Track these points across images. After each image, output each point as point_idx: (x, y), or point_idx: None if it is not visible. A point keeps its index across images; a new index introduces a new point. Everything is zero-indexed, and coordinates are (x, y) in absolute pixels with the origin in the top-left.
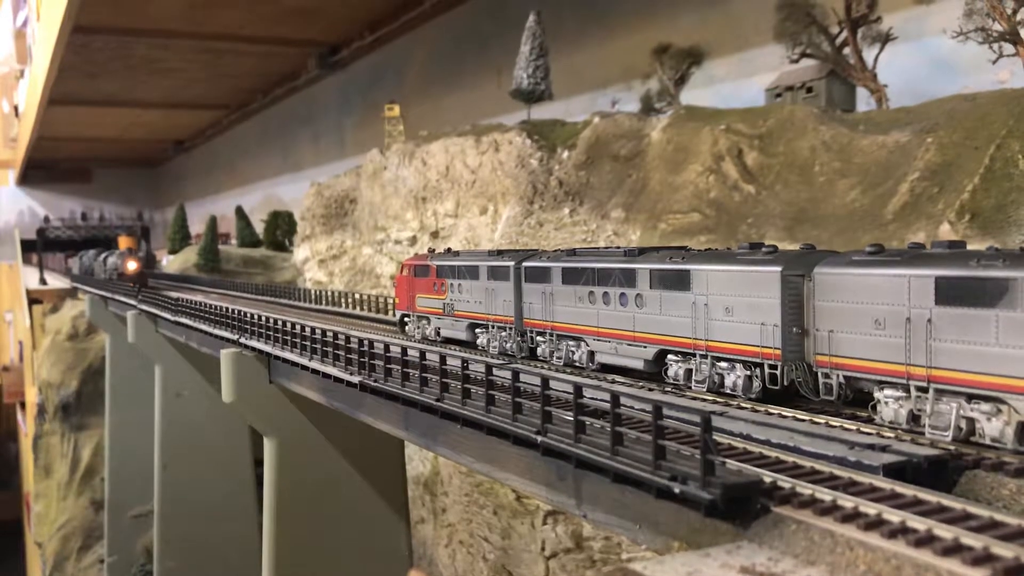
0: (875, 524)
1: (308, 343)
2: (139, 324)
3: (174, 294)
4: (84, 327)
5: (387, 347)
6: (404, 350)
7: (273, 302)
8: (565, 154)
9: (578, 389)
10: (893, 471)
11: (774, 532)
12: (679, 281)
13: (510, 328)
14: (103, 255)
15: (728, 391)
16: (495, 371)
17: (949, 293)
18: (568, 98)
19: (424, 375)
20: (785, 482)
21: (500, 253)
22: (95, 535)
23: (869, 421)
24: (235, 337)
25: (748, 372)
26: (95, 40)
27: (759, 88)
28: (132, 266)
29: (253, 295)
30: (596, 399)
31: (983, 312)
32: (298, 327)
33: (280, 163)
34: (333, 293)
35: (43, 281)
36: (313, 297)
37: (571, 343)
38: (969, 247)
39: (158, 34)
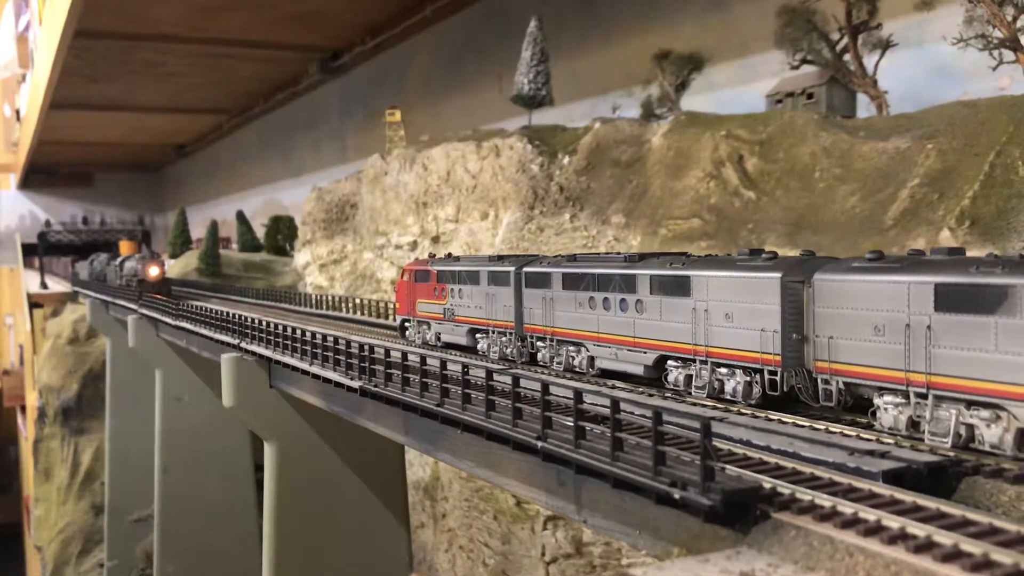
0: (874, 530)
1: (309, 348)
2: (140, 328)
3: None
4: (85, 331)
5: (387, 352)
6: (404, 355)
7: (274, 306)
8: (566, 160)
9: (578, 394)
10: (892, 477)
11: (773, 538)
12: (679, 287)
13: (510, 333)
14: (120, 259)
15: (728, 397)
16: (495, 376)
17: (948, 300)
18: (569, 104)
19: (424, 380)
20: (785, 488)
21: (501, 258)
22: (95, 539)
23: (868, 427)
24: (236, 342)
25: (748, 378)
26: (97, 45)
27: (759, 94)
28: (154, 272)
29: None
30: (596, 404)
31: (982, 319)
32: (299, 332)
33: (281, 168)
34: (334, 298)
35: (44, 285)
36: (314, 302)
37: (571, 348)
38: (969, 254)
39: (160, 39)
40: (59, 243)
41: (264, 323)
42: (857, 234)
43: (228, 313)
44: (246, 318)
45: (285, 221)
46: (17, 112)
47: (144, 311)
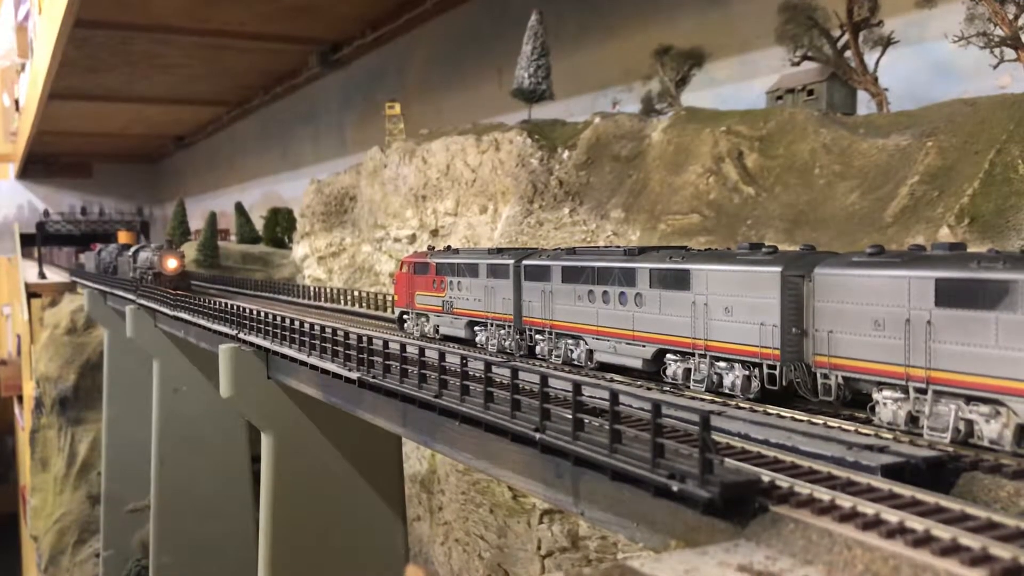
0: (873, 524)
1: (307, 339)
2: (137, 319)
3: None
4: (82, 321)
5: (386, 344)
6: (403, 347)
7: (272, 298)
8: (565, 154)
9: (577, 387)
10: (891, 472)
11: (772, 531)
12: (679, 281)
13: (509, 326)
14: (133, 250)
15: (727, 391)
16: (494, 369)
17: (949, 295)
18: (569, 98)
19: (423, 372)
20: (783, 481)
21: (500, 251)
22: (91, 529)
23: (867, 422)
24: (234, 332)
25: (747, 372)
26: (96, 35)
27: (760, 90)
28: (173, 264)
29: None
30: (595, 397)
31: (983, 314)
32: (297, 323)
33: (280, 160)
34: (332, 290)
35: (42, 275)
36: (312, 294)
37: (570, 341)
38: (969, 250)
39: (160, 30)
40: (57, 233)
41: (262, 314)
42: (856, 231)
43: (226, 304)
44: (244, 309)
45: (284, 213)
46: (16, 102)
47: (142, 301)
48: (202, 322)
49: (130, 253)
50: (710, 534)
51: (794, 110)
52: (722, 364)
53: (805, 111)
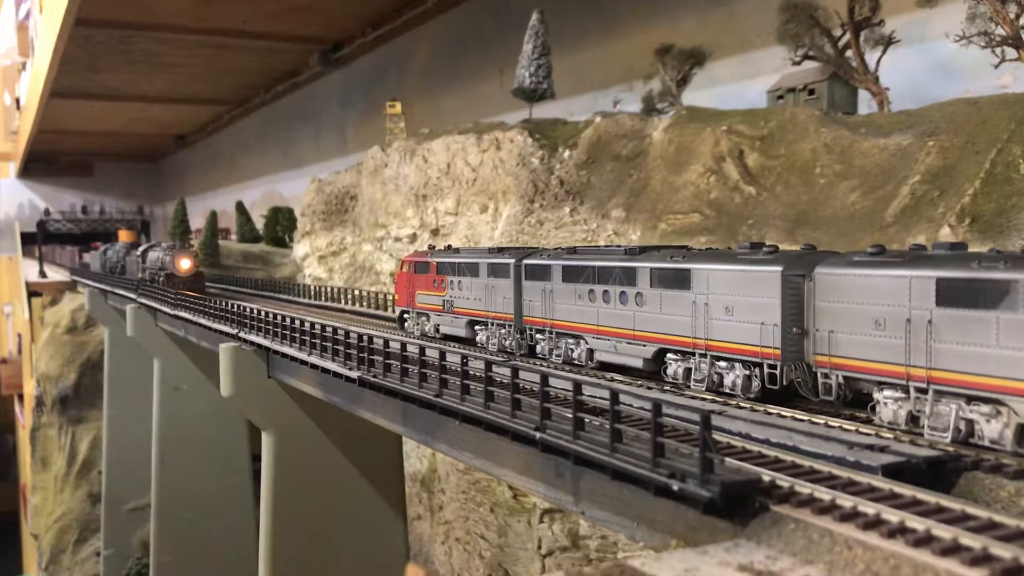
0: (874, 523)
1: (307, 338)
2: (138, 318)
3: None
4: (83, 320)
5: (387, 343)
6: (404, 346)
7: (273, 297)
8: (566, 153)
9: (577, 386)
10: (892, 471)
11: (772, 530)
12: (679, 280)
13: (509, 325)
14: (142, 249)
15: (727, 390)
16: (494, 368)
17: (950, 294)
18: (570, 97)
19: (423, 371)
20: (784, 481)
21: (500, 250)
22: (92, 528)
23: (868, 422)
24: (234, 331)
25: (747, 372)
26: (97, 33)
27: (761, 90)
28: (186, 264)
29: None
30: (595, 396)
31: (984, 314)
32: (297, 322)
33: (281, 159)
34: (333, 289)
35: (43, 274)
36: (313, 293)
37: (570, 341)
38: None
39: (160, 28)
40: (58, 232)
41: (263, 313)
42: (857, 231)
43: (227, 303)
44: (245, 308)
45: (284, 212)
46: (17, 100)
47: (143, 300)
48: (203, 321)
49: (139, 253)
50: (711, 533)
51: (795, 109)
52: (723, 364)
53: (806, 110)
